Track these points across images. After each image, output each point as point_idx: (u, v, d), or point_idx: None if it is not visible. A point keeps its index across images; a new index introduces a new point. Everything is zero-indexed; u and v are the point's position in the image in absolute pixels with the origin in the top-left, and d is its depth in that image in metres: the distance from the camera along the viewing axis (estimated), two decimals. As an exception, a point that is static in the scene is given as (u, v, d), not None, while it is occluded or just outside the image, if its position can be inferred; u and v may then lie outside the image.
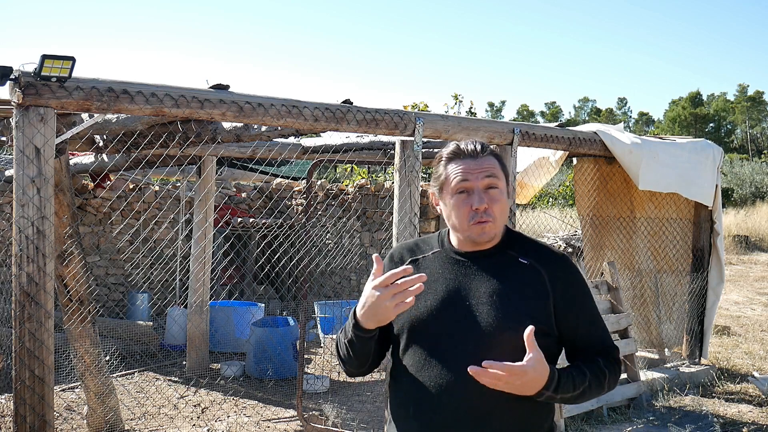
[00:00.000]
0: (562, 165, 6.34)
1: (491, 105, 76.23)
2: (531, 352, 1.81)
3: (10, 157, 7.16)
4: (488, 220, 1.95)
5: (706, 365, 6.84)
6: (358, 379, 6.39)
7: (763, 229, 20.15)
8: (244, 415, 5.71)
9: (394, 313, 1.83)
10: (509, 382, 1.79)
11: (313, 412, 5.63)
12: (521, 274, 1.99)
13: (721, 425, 5.31)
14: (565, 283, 2.00)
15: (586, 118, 68.96)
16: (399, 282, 1.80)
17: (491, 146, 2.05)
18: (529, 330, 1.81)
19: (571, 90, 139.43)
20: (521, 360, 1.84)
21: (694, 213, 6.90)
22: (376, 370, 2.14)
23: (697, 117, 57.62)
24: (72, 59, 3.11)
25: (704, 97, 65.41)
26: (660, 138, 6.66)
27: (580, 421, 5.43)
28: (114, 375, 6.12)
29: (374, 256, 1.89)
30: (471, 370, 1.78)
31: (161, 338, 8.00)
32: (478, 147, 2.00)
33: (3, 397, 5.58)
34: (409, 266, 1.84)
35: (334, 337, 7.30)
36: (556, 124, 5.50)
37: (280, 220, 9.77)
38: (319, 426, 5.13)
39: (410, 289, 1.80)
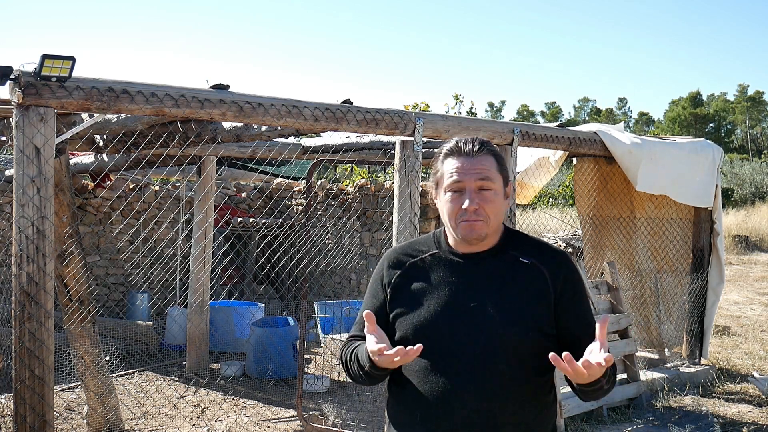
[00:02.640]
0: (562, 165, 6.34)
1: (491, 105, 76.20)
2: (603, 347, 1.76)
3: (10, 157, 7.16)
4: (478, 220, 1.94)
5: (706, 365, 6.84)
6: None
7: (763, 229, 20.14)
8: (244, 415, 5.71)
9: (396, 365, 1.86)
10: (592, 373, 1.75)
11: (313, 412, 5.63)
12: (524, 275, 1.98)
13: (721, 425, 5.30)
14: (565, 280, 2.00)
15: (586, 118, 68.88)
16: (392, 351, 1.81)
17: (491, 144, 2.03)
18: (603, 321, 1.77)
19: (571, 90, 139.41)
20: (526, 361, 1.89)
21: (694, 213, 6.90)
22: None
23: (697, 117, 57.58)
24: (72, 59, 3.11)
25: (704, 97, 65.37)
26: (660, 138, 6.66)
27: (580, 421, 5.43)
28: (114, 375, 6.12)
29: (365, 313, 1.89)
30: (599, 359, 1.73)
31: (161, 338, 8.00)
32: (476, 145, 1.98)
33: (3, 396, 5.58)
34: (400, 347, 1.82)
35: (335, 337, 7.34)
36: (556, 124, 5.50)
37: (280, 220, 9.77)
38: (319, 426, 5.14)
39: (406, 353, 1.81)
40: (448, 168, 1.98)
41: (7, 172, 7.93)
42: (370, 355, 1.86)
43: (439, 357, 1.93)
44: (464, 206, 1.93)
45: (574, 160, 6.58)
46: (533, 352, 1.93)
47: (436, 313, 1.95)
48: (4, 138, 5.07)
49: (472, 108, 15.23)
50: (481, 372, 1.90)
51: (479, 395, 1.89)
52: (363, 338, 2.07)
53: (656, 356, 6.90)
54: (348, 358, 2.08)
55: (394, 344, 2.02)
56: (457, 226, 1.96)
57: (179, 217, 9.20)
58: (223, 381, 6.58)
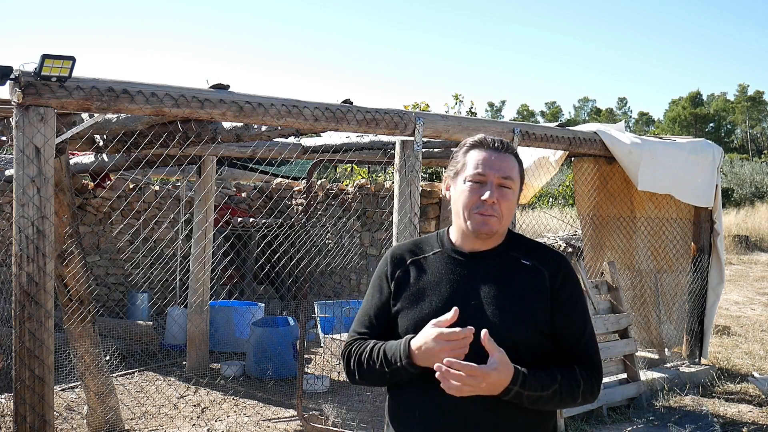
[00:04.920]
0: (562, 165, 6.33)
1: (491, 105, 76.27)
2: (493, 355, 1.81)
3: (10, 156, 7.15)
4: (493, 215, 1.95)
5: (706, 365, 6.84)
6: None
7: (763, 229, 20.15)
8: (244, 415, 5.71)
9: (441, 360, 1.84)
10: (472, 384, 1.79)
11: (313, 412, 5.63)
12: (524, 276, 2.00)
13: (721, 425, 5.31)
14: (562, 281, 2.01)
15: (586, 118, 68.89)
16: (458, 338, 1.81)
17: (514, 148, 2.06)
18: (484, 333, 1.81)
19: (571, 90, 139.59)
20: (524, 359, 1.87)
21: (694, 213, 6.90)
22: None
23: (697, 117, 57.62)
24: (72, 59, 3.11)
25: (704, 97, 65.43)
26: (660, 138, 6.66)
27: (580, 421, 5.43)
28: (114, 375, 6.12)
29: (455, 309, 1.86)
30: (437, 367, 1.79)
31: (161, 338, 8.00)
32: (504, 144, 2.02)
33: (3, 396, 5.58)
34: (471, 327, 1.82)
35: (335, 337, 7.34)
36: (556, 124, 5.50)
37: (280, 220, 9.76)
38: (319, 426, 5.14)
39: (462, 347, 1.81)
40: (472, 159, 2.00)
41: (7, 172, 7.92)
42: (436, 335, 1.83)
43: None
44: (483, 197, 1.94)
45: (574, 159, 6.58)
46: (531, 351, 1.94)
47: (437, 309, 1.96)
48: (4, 138, 5.07)
49: (472, 108, 15.21)
50: None
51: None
52: (369, 336, 2.06)
53: (656, 356, 6.90)
54: (364, 354, 2.01)
55: (396, 339, 2.03)
56: (470, 216, 1.97)
57: (179, 217, 9.19)
58: (223, 381, 6.58)
